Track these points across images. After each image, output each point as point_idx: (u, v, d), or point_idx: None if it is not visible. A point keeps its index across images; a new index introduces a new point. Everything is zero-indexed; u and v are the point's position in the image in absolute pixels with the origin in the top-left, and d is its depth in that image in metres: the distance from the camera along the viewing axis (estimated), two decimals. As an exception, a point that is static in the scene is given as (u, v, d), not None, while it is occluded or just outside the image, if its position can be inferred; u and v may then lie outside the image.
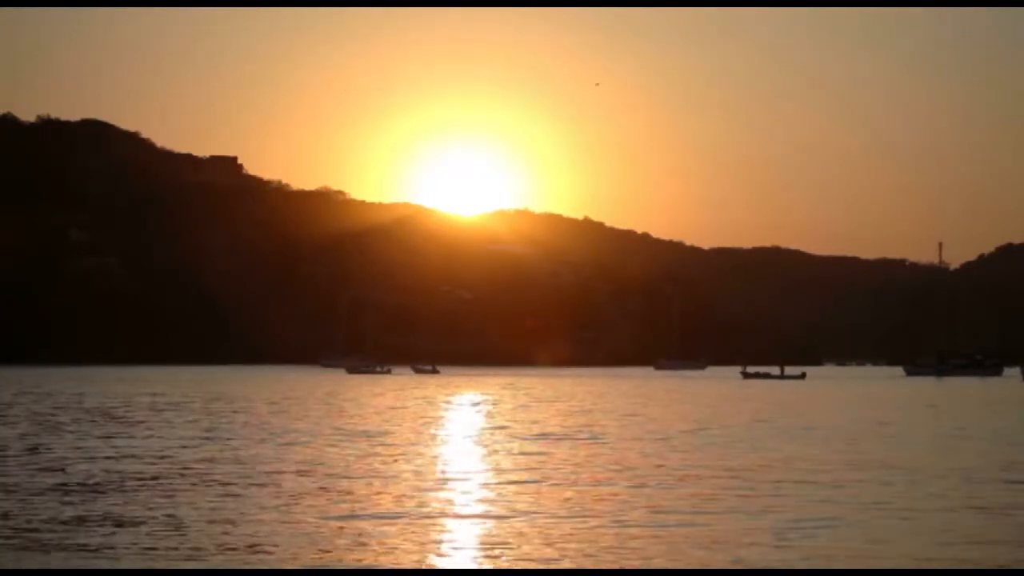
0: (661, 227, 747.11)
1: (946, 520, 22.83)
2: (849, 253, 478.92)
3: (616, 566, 18.13)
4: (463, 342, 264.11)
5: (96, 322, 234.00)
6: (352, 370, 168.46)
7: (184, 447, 38.88)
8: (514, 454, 36.56)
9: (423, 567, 18.09)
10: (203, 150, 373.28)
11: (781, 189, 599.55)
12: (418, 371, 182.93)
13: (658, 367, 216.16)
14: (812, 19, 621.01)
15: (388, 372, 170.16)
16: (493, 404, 71.95)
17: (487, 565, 18.16)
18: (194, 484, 27.89)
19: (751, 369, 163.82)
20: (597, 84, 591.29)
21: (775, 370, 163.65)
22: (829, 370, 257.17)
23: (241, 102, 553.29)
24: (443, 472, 31.47)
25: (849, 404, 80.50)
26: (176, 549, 19.06)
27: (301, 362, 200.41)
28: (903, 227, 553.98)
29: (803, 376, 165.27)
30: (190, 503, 24.47)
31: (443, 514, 23.39)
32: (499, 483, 28.32)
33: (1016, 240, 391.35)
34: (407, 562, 18.32)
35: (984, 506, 24.87)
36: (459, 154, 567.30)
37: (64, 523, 21.74)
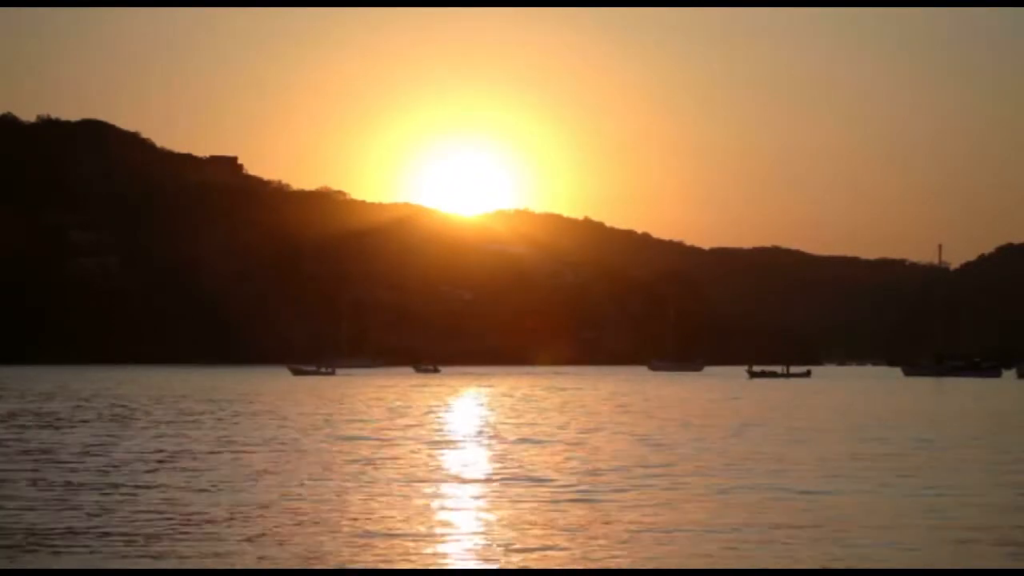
0: (661, 227, 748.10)
1: None
2: (849, 253, 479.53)
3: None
4: (463, 342, 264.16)
5: (96, 322, 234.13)
6: (296, 371, 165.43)
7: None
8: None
9: (423, 567, 18.08)
10: (203, 150, 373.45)
11: (781, 189, 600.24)
12: (420, 371, 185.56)
13: (652, 367, 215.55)
14: (812, 19, 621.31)
15: (332, 373, 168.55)
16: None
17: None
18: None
19: (757, 368, 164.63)
20: None
21: (780, 369, 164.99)
22: (830, 370, 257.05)
23: (241, 102, 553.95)
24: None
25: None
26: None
27: (302, 363, 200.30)
28: (903, 227, 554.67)
29: (808, 374, 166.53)
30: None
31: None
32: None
33: (1016, 240, 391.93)
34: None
35: None
36: (459, 154, 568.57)
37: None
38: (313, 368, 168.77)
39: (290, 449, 38.41)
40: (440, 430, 48.86)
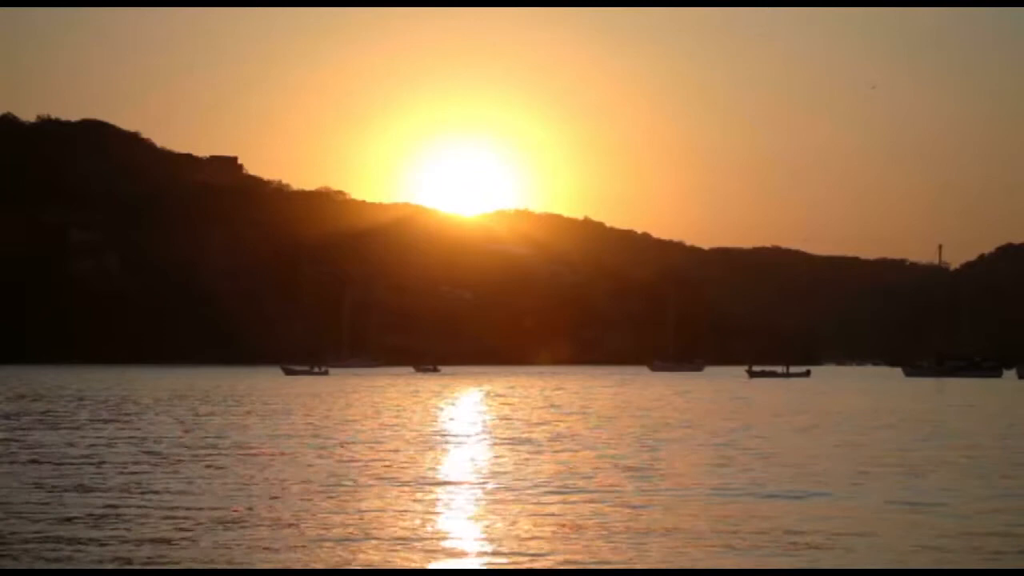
0: (661, 227, 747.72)
1: None
2: (849, 253, 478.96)
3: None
4: (463, 342, 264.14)
5: (95, 322, 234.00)
6: (288, 371, 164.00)
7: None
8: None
9: (422, 567, 18.04)
10: (203, 150, 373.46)
11: (781, 189, 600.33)
12: (420, 371, 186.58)
13: (653, 368, 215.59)
14: (812, 19, 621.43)
15: (325, 373, 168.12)
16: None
17: None
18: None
19: (757, 368, 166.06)
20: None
21: (780, 369, 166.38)
22: (830, 370, 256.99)
23: (241, 102, 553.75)
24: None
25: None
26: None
27: (301, 362, 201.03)
28: (903, 227, 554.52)
29: (808, 374, 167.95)
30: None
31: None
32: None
33: (1016, 240, 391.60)
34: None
35: None
36: (459, 154, 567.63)
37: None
38: (306, 368, 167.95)
39: (262, 450, 38.32)
40: (421, 430, 48.69)
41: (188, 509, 23.44)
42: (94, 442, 40.73)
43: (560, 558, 18.66)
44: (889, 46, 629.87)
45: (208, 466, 32.23)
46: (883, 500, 25.69)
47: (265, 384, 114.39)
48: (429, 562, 18.38)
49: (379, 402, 75.65)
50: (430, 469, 32.05)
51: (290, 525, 21.56)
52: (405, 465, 32.92)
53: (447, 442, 41.91)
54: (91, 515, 22.66)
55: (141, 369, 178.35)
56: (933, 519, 23.03)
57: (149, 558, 18.25)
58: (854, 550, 19.46)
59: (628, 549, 19.39)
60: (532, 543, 19.87)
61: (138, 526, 21.30)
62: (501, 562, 18.39)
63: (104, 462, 33.33)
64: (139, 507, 23.81)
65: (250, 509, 23.54)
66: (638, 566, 18.13)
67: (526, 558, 18.61)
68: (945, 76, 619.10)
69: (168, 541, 19.69)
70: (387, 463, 33.30)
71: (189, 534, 20.40)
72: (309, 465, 32.67)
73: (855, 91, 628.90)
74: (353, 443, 40.80)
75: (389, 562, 18.22)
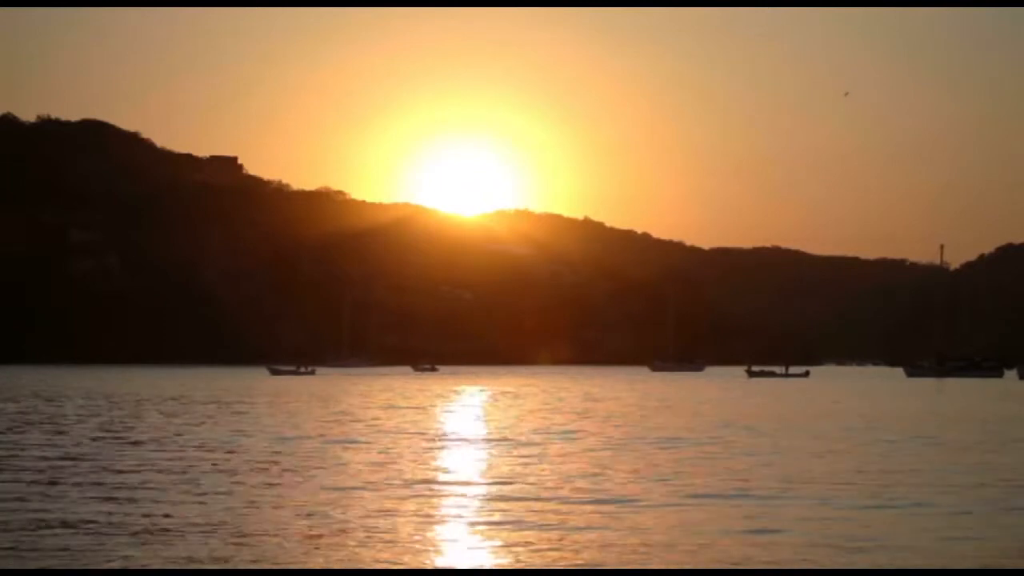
0: (661, 227, 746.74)
1: None
2: (849, 253, 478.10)
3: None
4: (463, 342, 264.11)
5: (95, 322, 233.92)
6: (274, 371, 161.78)
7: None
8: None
9: (422, 567, 18.03)
10: (203, 150, 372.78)
11: (781, 189, 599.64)
12: (418, 370, 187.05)
13: (654, 368, 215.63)
14: (812, 19, 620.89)
15: (312, 373, 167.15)
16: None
17: None
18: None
19: (756, 368, 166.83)
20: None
21: (779, 369, 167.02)
22: (830, 370, 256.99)
23: (241, 102, 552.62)
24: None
25: None
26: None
27: (304, 362, 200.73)
28: (903, 227, 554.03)
29: (807, 374, 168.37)
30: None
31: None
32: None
33: (1016, 240, 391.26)
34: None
35: None
36: (459, 154, 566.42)
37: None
38: (292, 368, 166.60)
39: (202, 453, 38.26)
40: (383, 430, 48.51)
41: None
42: None
43: (563, 563, 18.66)
44: (889, 46, 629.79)
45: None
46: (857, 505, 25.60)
47: (241, 385, 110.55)
48: (424, 564, 18.39)
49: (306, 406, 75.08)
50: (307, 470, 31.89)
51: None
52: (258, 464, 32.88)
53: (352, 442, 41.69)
54: None
55: (140, 369, 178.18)
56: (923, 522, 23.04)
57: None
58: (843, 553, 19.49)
59: (629, 552, 19.39)
60: (530, 547, 19.87)
61: None
62: (499, 563, 18.39)
63: None
64: None
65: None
66: (638, 567, 18.13)
67: (525, 562, 18.61)
68: (945, 76, 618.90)
69: None
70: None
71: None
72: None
73: (855, 91, 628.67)
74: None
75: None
